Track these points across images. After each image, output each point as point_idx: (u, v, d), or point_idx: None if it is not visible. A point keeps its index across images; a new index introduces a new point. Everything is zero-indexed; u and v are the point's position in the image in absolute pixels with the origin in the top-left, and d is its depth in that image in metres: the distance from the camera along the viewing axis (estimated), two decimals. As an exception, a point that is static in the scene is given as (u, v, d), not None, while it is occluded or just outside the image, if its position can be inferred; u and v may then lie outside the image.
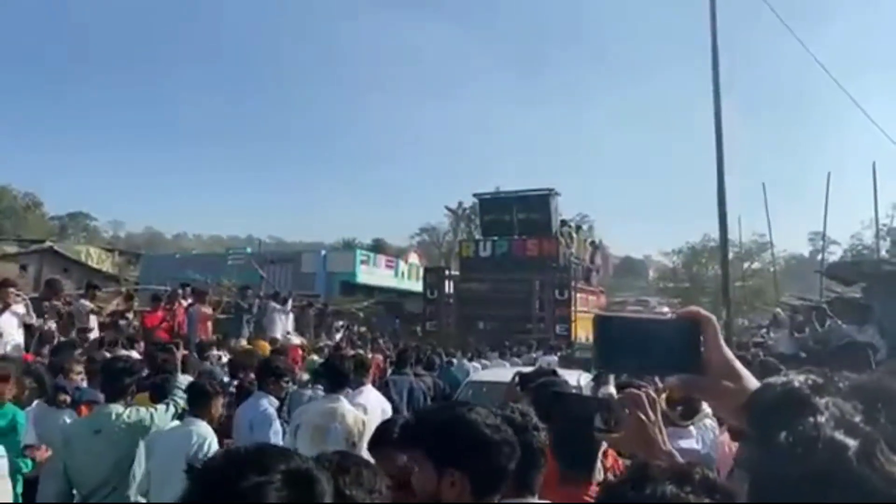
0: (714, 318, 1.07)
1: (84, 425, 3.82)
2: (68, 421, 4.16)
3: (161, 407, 3.96)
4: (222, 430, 4.13)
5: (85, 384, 4.94)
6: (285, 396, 5.11)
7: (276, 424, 4.34)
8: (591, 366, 8.81)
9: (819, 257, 23.17)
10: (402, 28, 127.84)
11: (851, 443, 0.59)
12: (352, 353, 7.42)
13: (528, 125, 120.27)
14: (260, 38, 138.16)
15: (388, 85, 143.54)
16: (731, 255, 17.52)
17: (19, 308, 6.99)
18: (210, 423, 3.78)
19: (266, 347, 8.62)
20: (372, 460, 2.05)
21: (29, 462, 3.67)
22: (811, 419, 0.62)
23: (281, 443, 3.97)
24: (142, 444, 3.73)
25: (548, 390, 3.42)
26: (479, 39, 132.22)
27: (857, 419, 0.61)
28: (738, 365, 1.03)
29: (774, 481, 0.63)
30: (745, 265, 34.91)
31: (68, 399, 4.46)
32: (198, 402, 3.81)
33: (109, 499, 3.58)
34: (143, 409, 3.85)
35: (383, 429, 2.57)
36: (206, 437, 3.63)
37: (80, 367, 5.06)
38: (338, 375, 4.36)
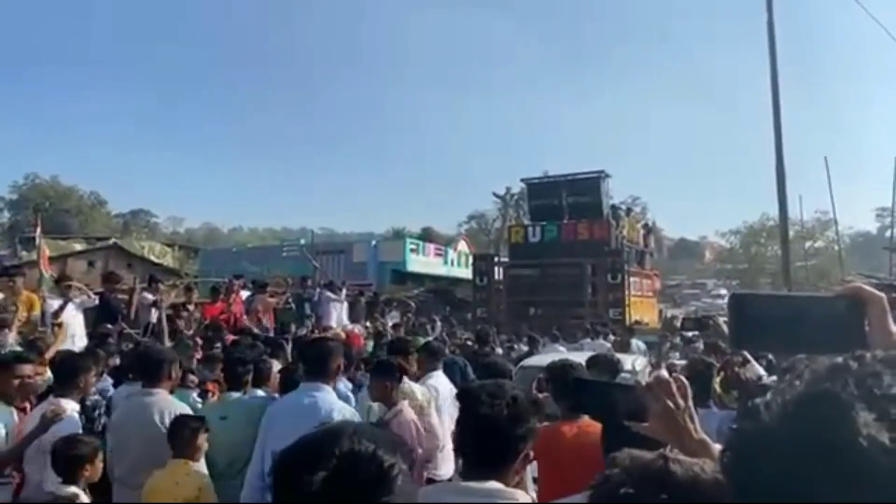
0: (883, 296, 1.01)
1: (213, 412, 4.00)
2: (197, 398, 4.43)
3: (276, 395, 4.15)
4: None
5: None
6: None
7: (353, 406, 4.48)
8: (646, 350, 8.68)
9: (888, 234, 22.04)
10: (448, 16, 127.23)
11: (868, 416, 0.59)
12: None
13: (577, 108, 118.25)
14: (309, 33, 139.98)
15: (436, 77, 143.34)
16: (791, 234, 16.91)
17: (77, 299, 7.36)
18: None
19: (340, 335, 8.85)
20: None
21: None
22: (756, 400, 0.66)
23: None
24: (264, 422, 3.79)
25: (563, 374, 3.47)
26: (525, 23, 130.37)
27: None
28: None
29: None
30: (808, 244, 33.60)
31: (196, 380, 4.79)
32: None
33: (235, 480, 3.63)
34: (259, 396, 4.08)
35: None
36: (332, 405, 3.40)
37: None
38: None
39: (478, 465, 1.81)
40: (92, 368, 3.99)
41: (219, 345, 6.68)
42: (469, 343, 10.45)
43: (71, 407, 3.57)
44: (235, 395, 4.13)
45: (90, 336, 6.95)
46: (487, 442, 1.81)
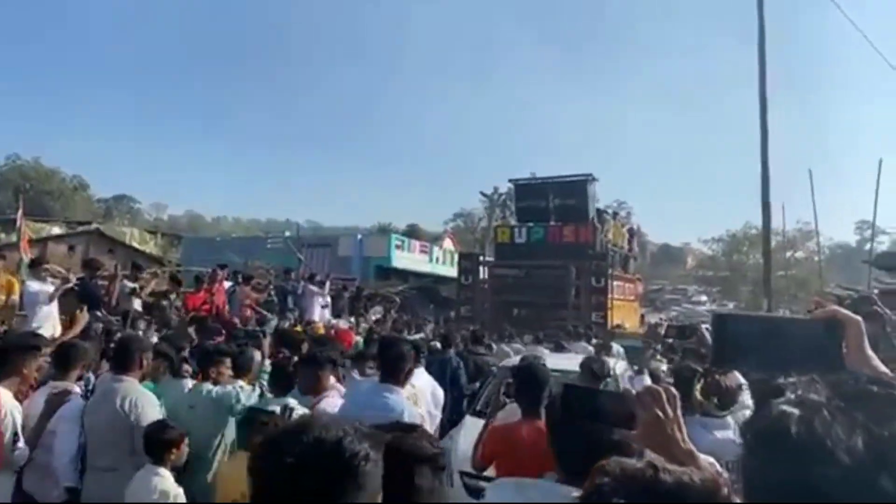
0: (860, 320, 1.05)
1: (182, 401, 4.13)
2: (189, 385, 4.45)
3: (248, 387, 4.25)
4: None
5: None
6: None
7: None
8: (630, 355, 8.72)
9: (867, 247, 22.40)
10: (439, 14, 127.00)
11: (795, 412, 0.69)
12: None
13: (565, 111, 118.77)
14: (294, 25, 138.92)
15: (426, 71, 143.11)
16: (773, 244, 17.10)
17: (48, 287, 7.23)
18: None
19: (320, 329, 8.81)
20: None
21: None
22: (774, 400, 0.73)
23: None
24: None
25: (526, 372, 3.51)
26: (517, 25, 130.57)
27: (812, 397, 0.71)
28: (881, 366, 1.02)
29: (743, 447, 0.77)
30: (788, 254, 33.99)
31: (190, 370, 4.80)
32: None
33: (202, 469, 3.80)
34: (230, 388, 4.13)
35: None
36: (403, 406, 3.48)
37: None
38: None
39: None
40: (89, 356, 4.17)
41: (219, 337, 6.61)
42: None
43: (76, 390, 3.73)
44: (208, 386, 4.18)
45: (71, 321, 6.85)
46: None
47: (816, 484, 0.63)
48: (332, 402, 3.72)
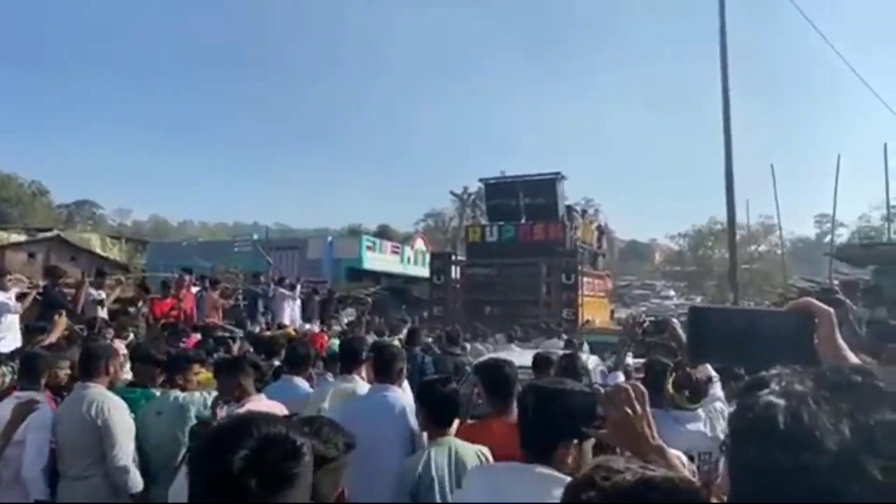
0: (831, 311, 1.06)
1: (150, 407, 4.08)
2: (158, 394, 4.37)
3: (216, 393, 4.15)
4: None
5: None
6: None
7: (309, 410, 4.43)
8: (601, 350, 8.81)
9: (826, 239, 23.03)
10: (409, 14, 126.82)
11: (781, 402, 0.70)
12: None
13: (534, 110, 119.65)
14: (262, 28, 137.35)
15: (394, 71, 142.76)
16: (737, 238, 17.45)
17: (10, 296, 7.06)
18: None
19: (291, 333, 8.73)
20: None
21: None
22: (758, 392, 0.74)
23: None
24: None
25: (493, 372, 3.50)
26: (486, 25, 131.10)
27: (798, 387, 0.71)
28: (851, 356, 1.03)
29: (729, 437, 0.78)
30: (752, 248, 34.76)
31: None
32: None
33: (170, 479, 3.71)
34: (197, 394, 4.06)
35: None
36: (402, 402, 3.74)
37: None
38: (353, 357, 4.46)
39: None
40: (57, 364, 4.13)
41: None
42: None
43: (42, 399, 3.65)
44: (176, 392, 4.12)
45: (28, 329, 6.65)
46: None
47: (806, 472, 0.65)
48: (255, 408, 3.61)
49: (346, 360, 4.47)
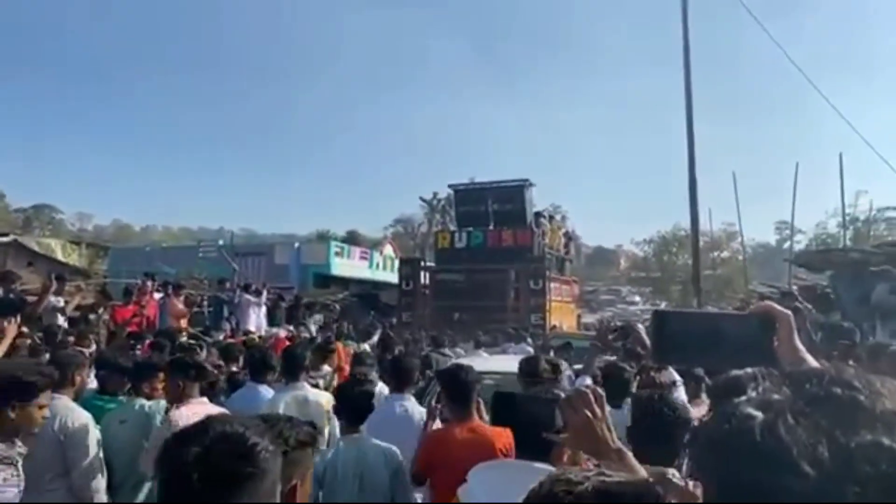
0: (790, 314, 1.08)
1: (114, 416, 4.03)
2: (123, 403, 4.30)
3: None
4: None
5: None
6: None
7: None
8: (566, 355, 8.88)
9: (785, 245, 23.68)
10: (378, 21, 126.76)
11: (759, 415, 0.66)
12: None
13: (501, 119, 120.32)
14: (229, 33, 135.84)
15: (362, 78, 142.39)
16: (701, 245, 17.84)
17: None
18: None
19: (256, 339, 8.61)
20: None
21: None
22: (735, 399, 0.69)
23: None
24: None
25: (452, 376, 3.57)
26: (454, 34, 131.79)
27: (776, 398, 0.67)
28: (809, 359, 1.04)
29: (694, 448, 0.74)
30: (714, 254, 35.55)
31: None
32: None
33: (136, 488, 3.73)
34: (163, 402, 4.00)
35: None
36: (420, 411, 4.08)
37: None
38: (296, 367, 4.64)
39: None
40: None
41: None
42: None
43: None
44: (141, 400, 4.08)
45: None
46: None
47: (778, 496, 0.61)
48: (186, 412, 3.54)
49: (290, 368, 4.60)
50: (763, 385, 0.70)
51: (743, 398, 0.69)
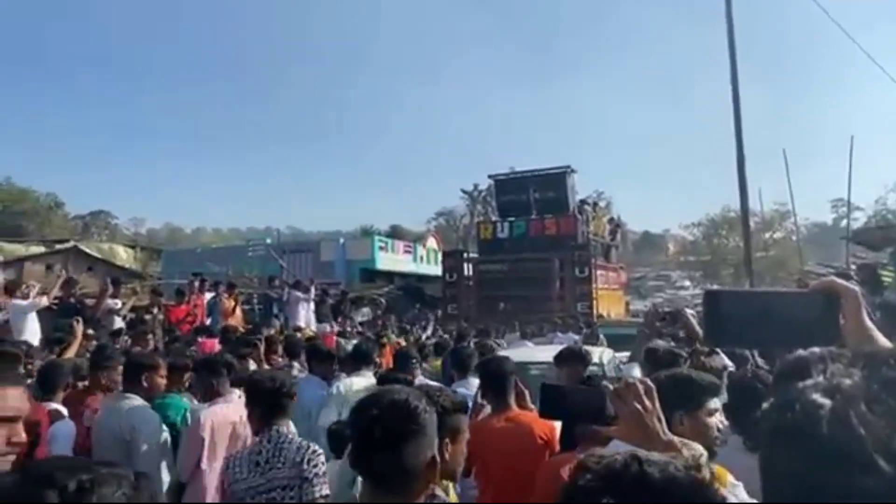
0: (857, 290, 1.02)
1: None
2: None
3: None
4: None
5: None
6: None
7: (332, 404, 4.56)
8: (617, 343, 8.74)
9: (843, 223, 22.75)
10: (418, 11, 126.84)
11: (827, 403, 0.59)
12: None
13: (542, 105, 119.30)
14: (268, 31, 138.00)
15: (402, 71, 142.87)
16: (751, 226, 17.29)
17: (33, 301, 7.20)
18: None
19: (307, 334, 8.81)
20: None
21: None
22: (800, 384, 0.63)
23: (333, 419, 4.10)
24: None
25: (489, 367, 3.58)
26: (492, 22, 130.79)
27: (846, 383, 0.60)
28: (881, 338, 0.99)
29: (758, 438, 0.67)
30: (767, 235, 34.44)
31: None
32: None
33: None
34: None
35: None
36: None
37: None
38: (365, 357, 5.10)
39: None
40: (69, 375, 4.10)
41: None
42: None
43: (63, 411, 3.70)
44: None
45: (48, 341, 6.75)
46: None
47: (849, 496, 0.54)
48: (220, 410, 3.61)
49: (357, 359, 5.07)
50: (831, 367, 0.63)
51: (809, 382, 0.62)
